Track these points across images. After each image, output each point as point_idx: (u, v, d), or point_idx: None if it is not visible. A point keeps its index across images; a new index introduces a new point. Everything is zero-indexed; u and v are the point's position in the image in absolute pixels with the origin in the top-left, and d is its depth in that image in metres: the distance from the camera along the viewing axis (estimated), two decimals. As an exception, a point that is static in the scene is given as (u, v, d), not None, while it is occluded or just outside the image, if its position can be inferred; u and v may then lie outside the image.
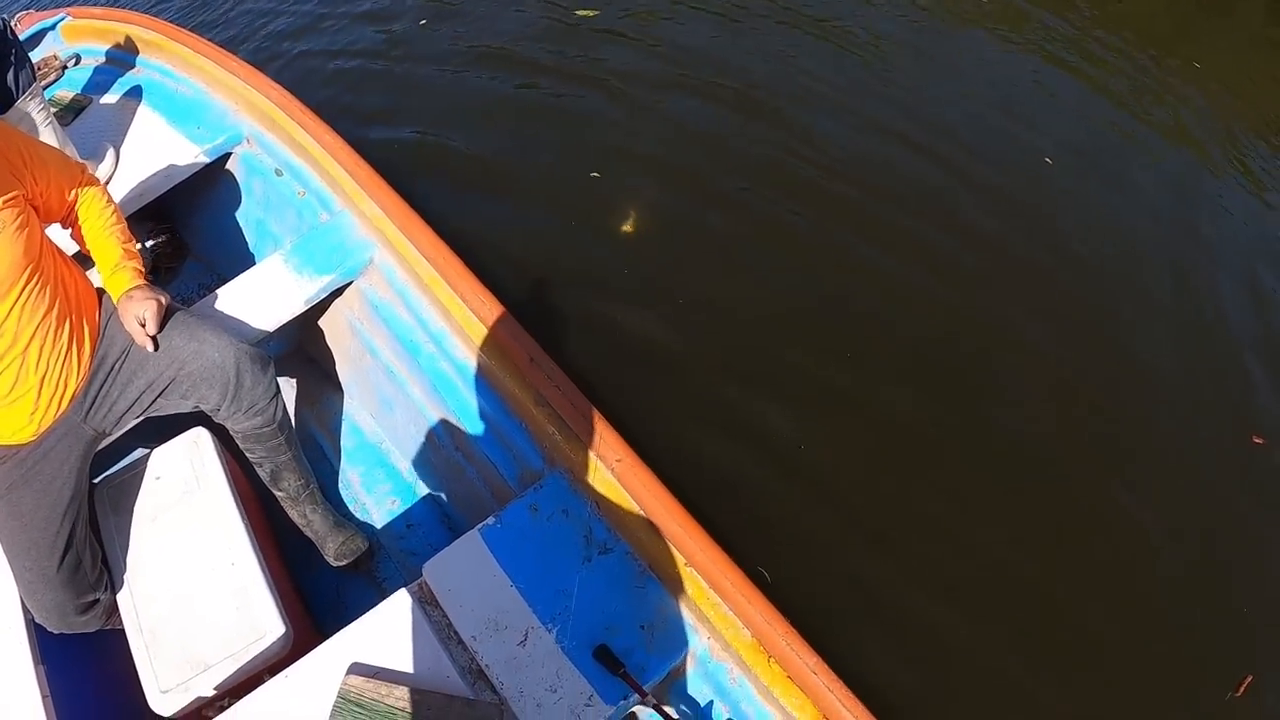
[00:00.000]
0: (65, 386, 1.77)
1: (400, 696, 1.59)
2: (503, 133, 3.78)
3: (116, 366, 1.86)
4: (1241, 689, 2.46)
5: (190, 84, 2.74)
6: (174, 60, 2.82)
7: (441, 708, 1.58)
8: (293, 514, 2.20)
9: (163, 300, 1.85)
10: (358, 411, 2.51)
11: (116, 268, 1.85)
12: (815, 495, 2.61)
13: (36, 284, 1.69)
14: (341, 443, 2.48)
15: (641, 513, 1.66)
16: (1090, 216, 3.76)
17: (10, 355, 1.66)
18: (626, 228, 3.33)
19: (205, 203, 2.75)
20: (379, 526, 2.34)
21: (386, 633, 1.68)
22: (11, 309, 1.64)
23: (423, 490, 2.36)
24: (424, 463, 2.31)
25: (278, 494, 2.16)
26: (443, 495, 2.31)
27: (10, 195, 1.63)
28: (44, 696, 1.77)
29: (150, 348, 1.83)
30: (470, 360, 2.00)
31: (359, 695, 1.59)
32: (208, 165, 2.59)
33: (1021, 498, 2.68)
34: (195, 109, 2.67)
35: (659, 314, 3.06)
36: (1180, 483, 2.89)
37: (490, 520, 1.75)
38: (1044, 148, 4.09)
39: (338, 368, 2.54)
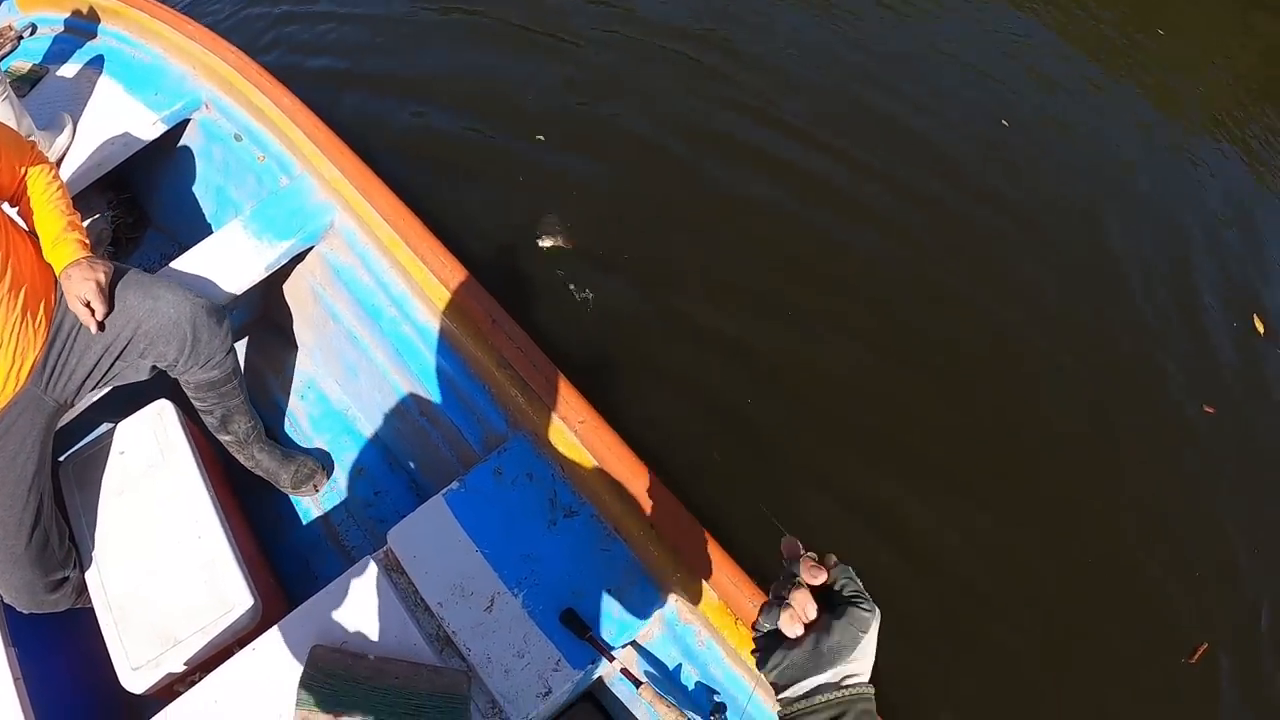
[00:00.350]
0: (24, 359, 1.73)
1: (368, 666, 1.57)
2: (454, 94, 3.75)
3: (73, 334, 1.81)
4: (1196, 656, 2.49)
5: (148, 50, 2.67)
6: (132, 27, 2.75)
7: (409, 676, 1.55)
8: (241, 457, 2.20)
9: (101, 277, 1.79)
10: (323, 379, 2.46)
11: (57, 240, 1.80)
12: (775, 453, 2.62)
13: None
14: (308, 411, 2.44)
15: (606, 474, 1.64)
16: (1043, 183, 3.79)
17: None
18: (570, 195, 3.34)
19: (165, 171, 2.69)
20: (346, 494, 2.31)
21: (352, 601, 1.65)
22: None
23: (390, 457, 2.32)
24: (390, 429, 2.27)
25: (225, 438, 2.14)
26: (410, 461, 2.28)
27: None
28: (16, 679, 1.75)
29: (94, 330, 1.79)
30: (432, 323, 1.96)
31: (326, 666, 1.56)
32: (166, 132, 2.52)
33: (997, 478, 2.70)
34: (153, 75, 2.59)
35: (616, 275, 3.05)
36: (1137, 455, 2.92)
37: (454, 485, 1.72)
38: (1001, 111, 4.12)
39: (302, 334, 2.50)
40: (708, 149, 3.51)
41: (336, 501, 2.32)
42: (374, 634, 1.62)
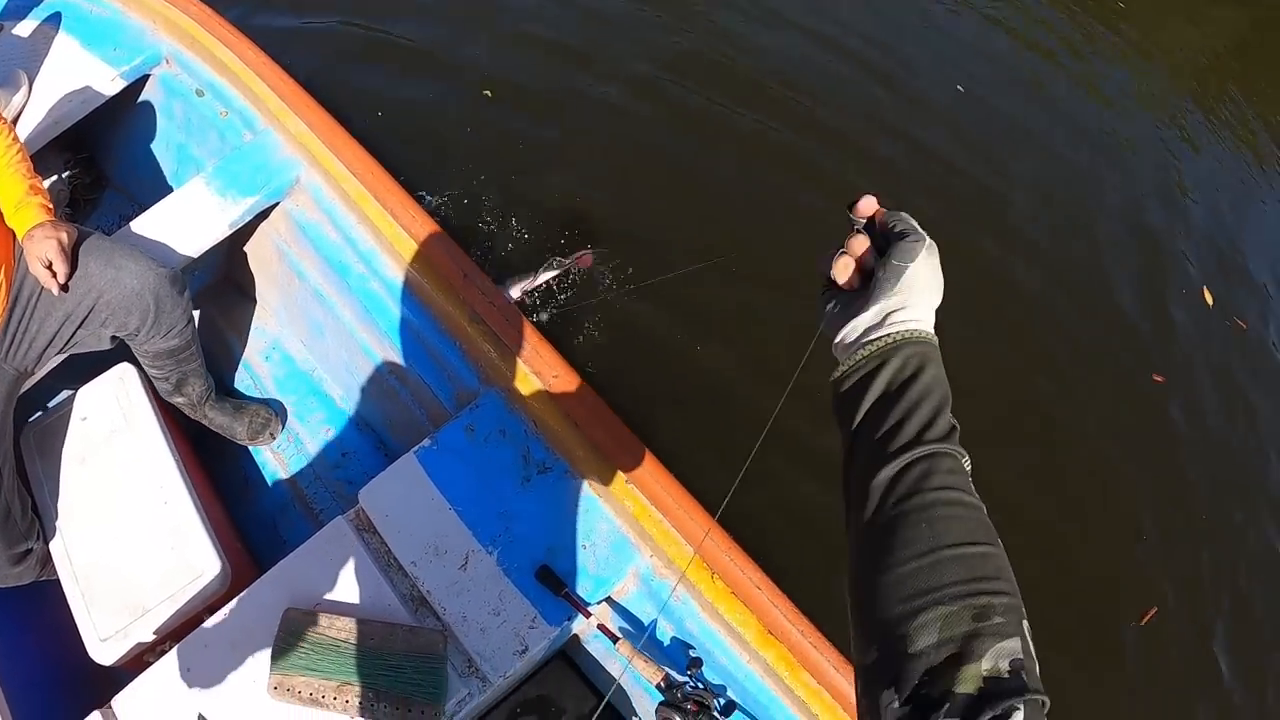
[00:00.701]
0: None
1: (342, 628, 1.57)
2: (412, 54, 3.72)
3: (32, 301, 1.77)
4: (1146, 619, 2.56)
5: (106, 4, 2.57)
6: (90, -21, 2.71)
7: (384, 636, 1.55)
8: (194, 417, 2.18)
9: (64, 237, 1.74)
10: (288, 339, 2.43)
11: (20, 204, 1.75)
12: (751, 413, 2.64)
13: None
14: (272, 372, 2.41)
15: (580, 429, 1.63)
16: (995, 152, 3.87)
17: None
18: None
19: (123, 129, 2.62)
20: (312, 456, 2.29)
21: (324, 563, 1.64)
22: None
23: (357, 417, 2.30)
24: (357, 388, 2.24)
25: (178, 400, 2.12)
26: (378, 421, 2.25)
27: None
28: None
29: (55, 291, 1.75)
30: (401, 279, 1.93)
31: (300, 629, 1.56)
32: (125, 89, 2.45)
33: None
34: (112, 30, 2.50)
35: (588, 225, 3.08)
36: (1085, 422, 2.99)
37: (426, 443, 1.70)
38: (958, 77, 4.18)
39: (267, 295, 2.46)
40: (659, 102, 3.56)
41: (303, 464, 2.30)
42: (347, 595, 1.61)
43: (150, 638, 1.79)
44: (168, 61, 2.48)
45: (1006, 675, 0.57)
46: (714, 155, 3.44)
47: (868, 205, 0.80)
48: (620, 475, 1.59)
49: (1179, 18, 5.51)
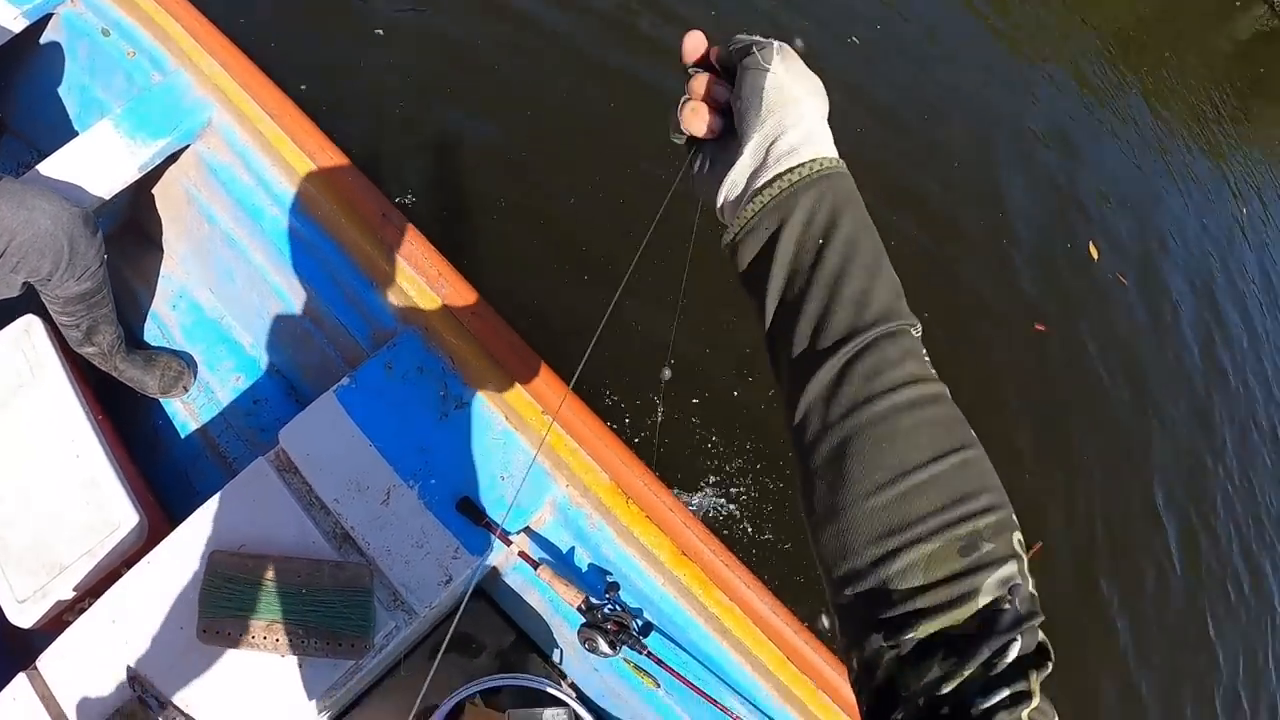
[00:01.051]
0: None
1: (268, 567, 1.62)
2: None
3: None
4: (1033, 554, 2.79)
5: None
6: (-19, -87, 2.64)
7: (311, 573, 1.60)
8: (105, 368, 2.18)
9: None
10: (196, 287, 2.43)
11: None
12: (646, 340, 2.80)
13: None
14: (180, 321, 2.41)
15: (498, 364, 1.70)
16: (882, 95, 4.09)
17: None
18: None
19: (23, 71, 2.56)
20: (224, 405, 2.31)
21: (247, 505, 1.68)
22: None
23: (268, 363, 2.33)
24: (269, 334, 2.27)
25: (88, 350, 2.11)
26: (289, 367, 2.29)
27: None
28: None
29: None
30: (318, 220, 1.96)
31: (227, 571, 1.60)
32: (27, 29, 2.43)
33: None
34: None
35: (498, 169, 3.20)
36: (971, 372, 3.21)
37: (345, 381, 1.74)
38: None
39: (173, 242, 2.45)
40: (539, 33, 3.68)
41: (214, 413, 2.31)
42: (272, 535, 1.65)
43: (70, 595, 1.79)
44: (72, 0, 2.44)
45: (1005, 607, 0.53)
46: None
47: (694, 43, 0.68)
48: (538, 406, 1.67)
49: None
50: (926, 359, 0.60)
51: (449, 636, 0.99)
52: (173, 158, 2.19)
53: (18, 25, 2.39)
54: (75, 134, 2.37)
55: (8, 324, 2.04)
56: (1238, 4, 9.19)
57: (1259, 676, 3.51)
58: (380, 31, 3.49)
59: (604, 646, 1.57)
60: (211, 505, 1.69)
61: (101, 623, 1.61)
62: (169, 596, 1.61)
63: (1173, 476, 3.76)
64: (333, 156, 1.89)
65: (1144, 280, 4.17)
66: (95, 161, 2.07)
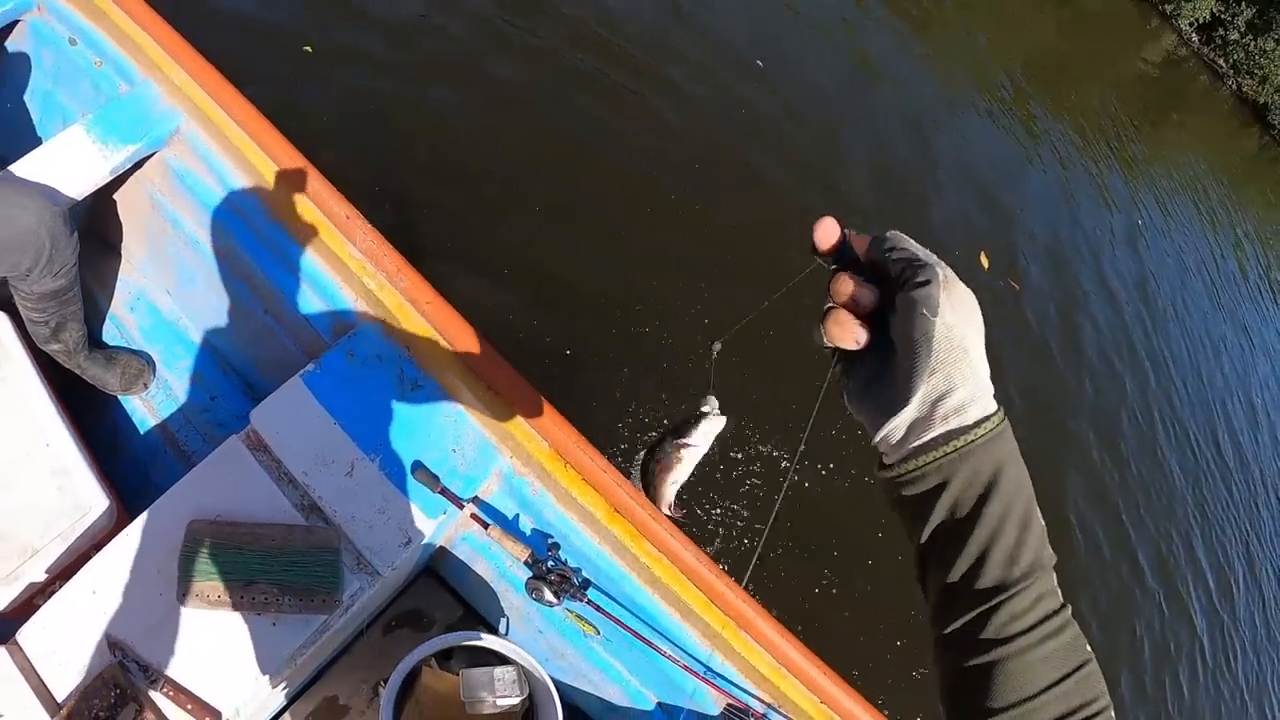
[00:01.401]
0: None
1: (244, 533, 1.81)
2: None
3: None
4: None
5: None
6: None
7: (284, 537, 1.82)
8: (69, 365, 2.35)
9: None
10: (154, 290, 2.63)
11: None
12: (588, 316, 3.12)
13: None
14: (138, 323, 2.60)
15: (449, 350, 1.95)
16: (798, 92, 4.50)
17: None
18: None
19: None
20: (182, 402, 2.51)
21: (221, 480, 1.88)
22: None
23: (223, 361, 2.54)
24: (227, 333, 2.49)
25: (54, 348, 2.27)
26: (245, 363, 2.51)
27: None
28: None
29: None
30: (283, 224, 2.19)
31: (204, 538, 1.79)
32: None
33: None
34: None
35: (446, 175, 3.57)
36: None
37: (311, 367, 1.98)
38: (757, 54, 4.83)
39: (132, 247, 2.65)
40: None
41: (173, 409, 2.52)
42: (245, 507, 1.86)
43: (42, 577, 1.94)
44: (39, 8, 2.61)
45: None
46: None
47: (827, 233, 0.69)
48: (483, 384, 1.93)
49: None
50: (1057, 589, 0.67)
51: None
52: (138, 164, 2.38)
53: None
54: (38, 140, 2.56)
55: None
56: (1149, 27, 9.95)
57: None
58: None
59: (549, 595, 1.82)
60: (188, 480, 1.88)
61: (81, 595, 1.76)
62: (147, 567, 1.78)
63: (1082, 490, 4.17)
64: (298, 162, 2.12)
65: (1034, 284, 4.59)
66: (68, 164, 2.24)
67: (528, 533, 1.98)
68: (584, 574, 1.92)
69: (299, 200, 2.13)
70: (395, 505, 1.88)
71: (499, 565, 2.07)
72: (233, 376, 2.54)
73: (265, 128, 2.16)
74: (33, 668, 1.72)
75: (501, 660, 2.01)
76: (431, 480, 1.88)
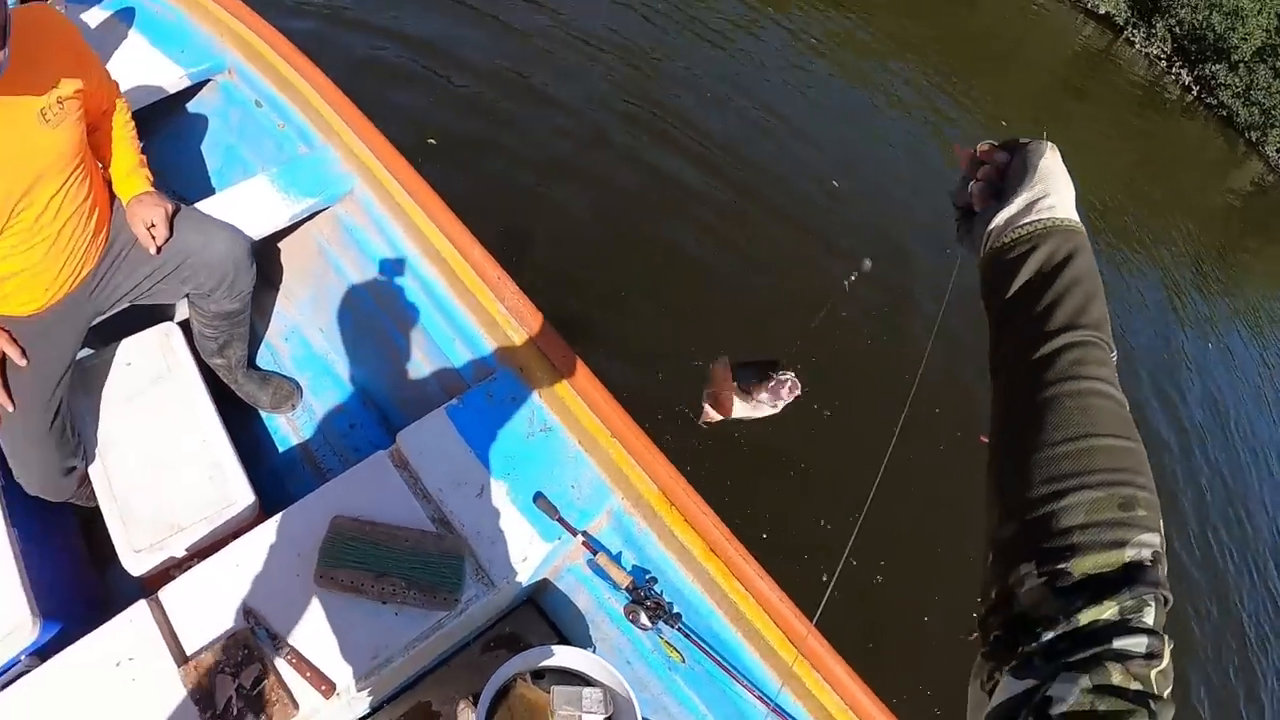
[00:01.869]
0: (82, 268, 2.20)
1: (383, 532, 2.15)
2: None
3: (124, 253, 2.33)
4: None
5: (174, 9, 3.20)
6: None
7: (418, 540, 2.16)
8: (227, 380, 2.76)
9: (169, 208, 2.30)
10: (307, 327, 3.08)
11: (132, 172, 2.28)
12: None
13: (80, 173, 2.07)
14: (291, 353, 3.05)
15: (577, 401, 2.34)
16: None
17: (46, 233, 2.03)
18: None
19: (176, 124, 3.23)
20: (323, 425, 2.94)
21: (366, 487, 2.24)
22: (57, 193, 2.01)
23: (365, 396, 2.96)
24: (372, 370, 2.91)
25: (217, 362, 2.69)
26: (388, 400, 2.92)
27: (79, 88, 1.97)
28: (15, 558, 2.14)
29: (153, 250, 2.27)
30: (440, 280, 2.63)
31: (346, 532, 2.13)
32: (187, 89, 3.08)
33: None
34: (178, 34, 3.11)
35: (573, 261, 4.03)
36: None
37: (454, 402, 2.39)
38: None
39: (292, 285, 3.10)
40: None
41: (314, 431, 2.95)
42: (385, 512, 2.20)
43: (182, 553, 2.27)
44: (230, 72, 3.14)
45: (1148, 564, 0.65)
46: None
47: (987, 145, 0.96)
48: (606, 431, 2.30)
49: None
50: (1115, 377, 0.78)
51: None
52: (311, 216, 2.86)
53: (181, 84, 3.06)
54: (213, 187, 3.03)
55: (150, 326, 2.59)
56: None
57: None
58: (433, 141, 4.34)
59: (644, 619, 2.17)
60: (335, 484, 2.22)
61: (223, 568, 2.07)
62: (288, 550, 2.09)
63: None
64: (457, 227, 2.56)
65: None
66: (253, 207, 2.71)
67: (629, 567, 2.32)
68: (676, 609, 2.26)
69: (456, 260, 2.57)
70: (517, 526, 2.23)
71: (598, 596, 2.41)
72: (372, 409, 2.95)
73: (430, 195, 2.61)
74: (169, 623, 2.01)
75: (587, 683, 2.32)
76: (551, 509, 2.25)
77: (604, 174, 4.76)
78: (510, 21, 5.53)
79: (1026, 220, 0.85)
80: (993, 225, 0.88)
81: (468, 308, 2.59)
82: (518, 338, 2.46)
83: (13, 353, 2.14)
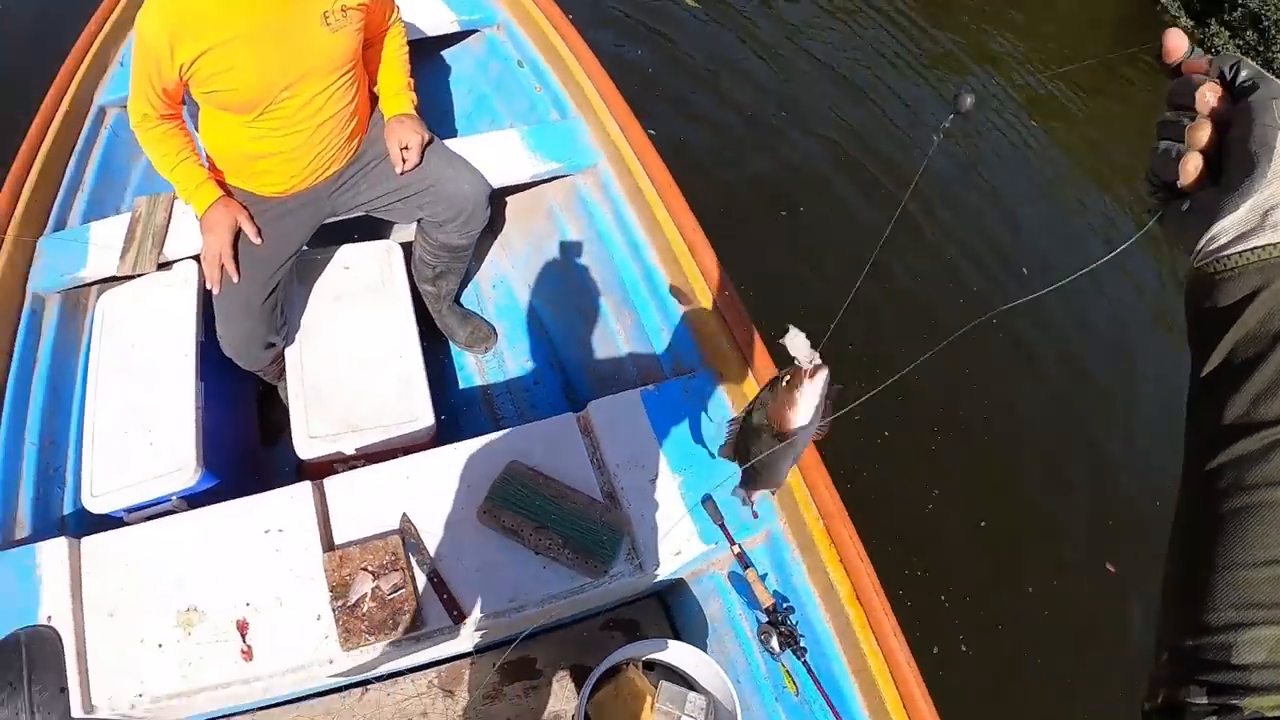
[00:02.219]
0: (331, 165, 2.45)
1: (553, 487, 2.29)
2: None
3: (373, 165, 2.53)
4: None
5: None
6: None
7: (585, 504, 2.30)
8: (431, 309, 2.99)
9: (425, 135, 2.52)
10: (516, 280, 3.29)
11: (399, 93, 2.51)
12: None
13: (348, 78, 2.31)
14: (495, 299, 3.28)
15: (769, 419, 2.48)
16: None
17: (304, 125, 2.28)
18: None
19: (438, 65, 3.48)
20: (509, 375, 3.15)
21: (547, 442, 2.39)
22: (322, 91, 2.25)
23: (555, 358, 3.14)
24: (569, 336, 3.09)
25: (428, 289, 2.92)
26: (577, 369, 3.10)
27: (363, 2, 2.20)
28: (196, 406, 2.42)
29: (398, 170, 2.49)
30: (662, 270, 2.80)
31: (519, 477, 2.25)
32: (454, 34, 3.34)
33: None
34: None
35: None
36: None
37: (650, 388, 2.53)
38: None
39: (512, 237, 3.33)
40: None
41: (498, 378, 3.15)
42: (559, 470, 2.34)
43: (351, 452, 2.46)
44: (499, 27, 3.37)
45: None
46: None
47: (1178, 43, 0.74)
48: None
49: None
50: None
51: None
52: (551, 179, 3.05)
53: (449, 28, 3.32)
54: (456, 130, 3.26)
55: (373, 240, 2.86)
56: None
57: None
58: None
59: (774, 643, 2.27)
60: (519, 431, 2.36)
61: (392, 477, 2.25)
62: (458, 481, 2.24)
63: None
64: (693, 227, 2.72)
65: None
66: (501, 157, 2.92)
67: (771, 589, 2.45)
68: (804, 641, 2.36)
69: (684, 255, 2.73)
70: (680, 521, 2.35)
71: (730, 609, 2.53)
72: (558, 373, 3.15)
73: (673, 189, 2.77)
74: (326, 510, 2.21)
75: (691, 688, 2.43)
76: (717, 514, 2.37)
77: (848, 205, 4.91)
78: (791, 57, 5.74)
79: (1253, 245, 0.66)
80: (1207, 237, 0.69)
81: (682, 303, 2.75)
82: (726, 344, 2.59)
83: (249, 230, 2.41)
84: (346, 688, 2.49)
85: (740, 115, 5.16)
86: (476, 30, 3.42)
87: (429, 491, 2.25)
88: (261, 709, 2.44)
